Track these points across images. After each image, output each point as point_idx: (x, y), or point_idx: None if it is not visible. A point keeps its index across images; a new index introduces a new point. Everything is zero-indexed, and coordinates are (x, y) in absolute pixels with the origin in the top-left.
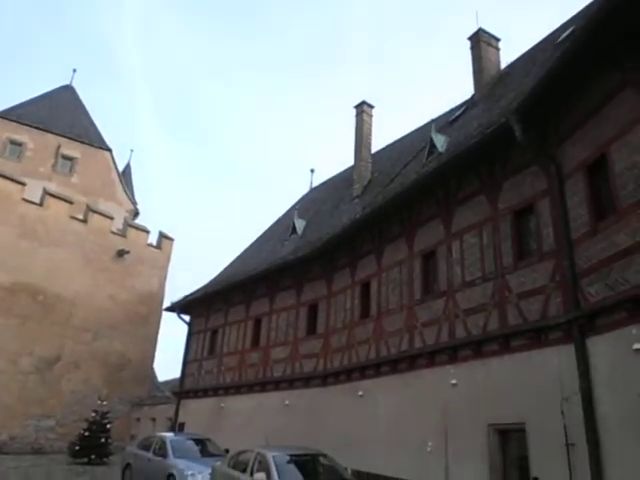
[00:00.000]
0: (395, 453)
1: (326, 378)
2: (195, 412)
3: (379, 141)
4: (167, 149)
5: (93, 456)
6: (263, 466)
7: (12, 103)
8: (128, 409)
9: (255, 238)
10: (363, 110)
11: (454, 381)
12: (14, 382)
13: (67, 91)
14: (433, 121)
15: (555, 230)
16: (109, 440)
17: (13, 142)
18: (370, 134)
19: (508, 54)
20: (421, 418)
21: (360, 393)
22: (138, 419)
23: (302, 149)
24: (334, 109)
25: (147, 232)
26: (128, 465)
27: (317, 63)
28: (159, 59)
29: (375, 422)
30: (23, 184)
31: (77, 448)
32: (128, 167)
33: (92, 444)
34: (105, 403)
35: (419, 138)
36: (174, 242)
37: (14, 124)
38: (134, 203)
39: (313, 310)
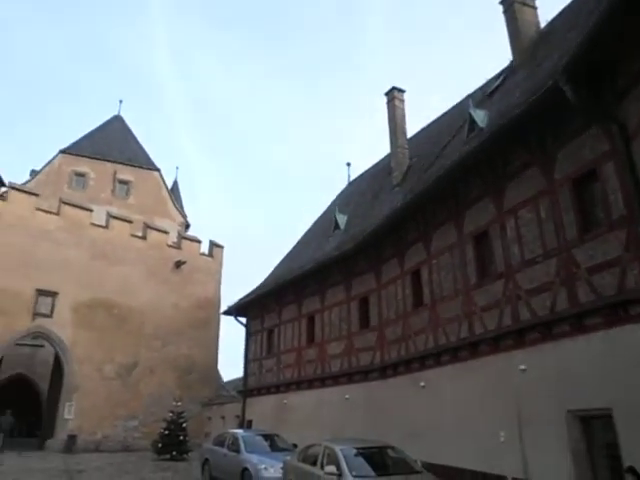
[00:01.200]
0: (464, 444)
1: (384, 370)
2: (260, 409)
3: (414, 125)
4: (207, 161)
5: (174, 452)
6: (332, 459)
7: (71, 139)
8: (199, 409)
9: (300, 237)
10: (394, 96)
11: (523, 366)
12: (101, 387)
13: (117, 121)
14: (470, 96)
15: (624, 194)
16: (186, 438)
17: (78, 174)
18: (404, 119)
19: (547, 11)
20: (489, 407)
21: (422, 384)
22: (209, 418)
23: (336, 144)
24: (363, 101)
25: (199, 242)
26: (206, 460)
27: (339, 58)
28: (192, 77)
29: (440, 413)
30: (90, 210)
31: (160, 445)
32: (175, 183)
33: (172, 442)
34: (179, 404)
35: (457, 116)
36: (224, 249)
37: (77, 158)
38: (184, 216)
39: (364, 303)
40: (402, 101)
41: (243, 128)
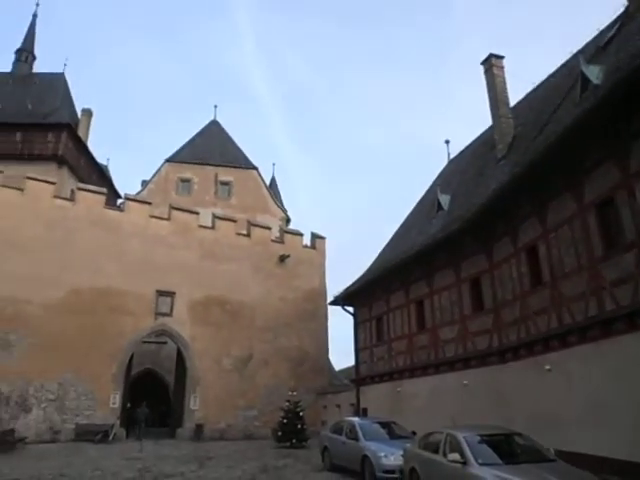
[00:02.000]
0: (601, 431)
1: (504, 354)
2: (374, 397)
3: (516, 93)
4: (302, 154)
5: (294, 440)
6: (455, 447)
7: (174, 147)
8: (314, 398)
9: (402, 221)
10: (492, 64)
11: None
12: (220, 379)
13: (214, 125)
14: (580, 52)
15: None
16: (304, 426)
17: (183, 180)
18: (504, 87)
19: None
20: (630, 391)
21: (547, 367)
22: (325, 407)
23: (432, 123)
24: (457, 76)
25: (301, 235)
26: (325, 448)
27: (428, 34)
28: (280, 72)
29: (569, 398)
30: (197, 213)
31: (279, 434)
32: (273, 180)
33: (291, 430)
34: (295, 394)
35: (565, 77)
36: (326, 240)
37: (181, 165)
38: (284, 211)
39: (476, 285)
40: (501, 68)
41: (335, 116)
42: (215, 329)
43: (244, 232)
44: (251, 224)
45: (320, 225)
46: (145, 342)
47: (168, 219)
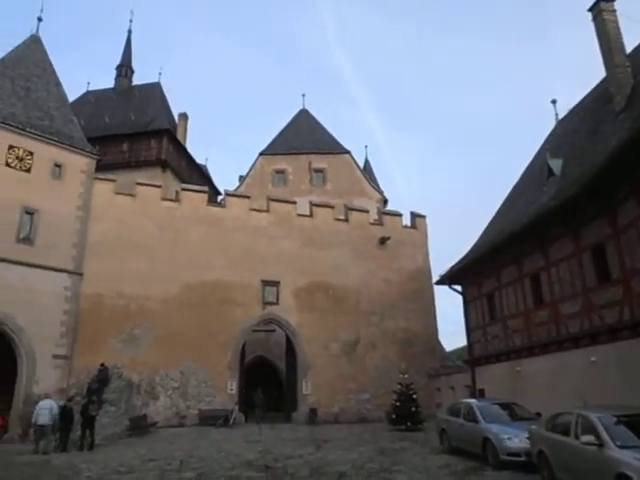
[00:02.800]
0: None
1: (637, 328)
2: (491, 378)
3: (632, 39)
4: (395, 133)
5: (409, 423)
6: (588, 428)
7: (267, 140)
8: (426, 380)
9: (509, 191)
10: (601, 9)
11: None
12: (330, 364)
13: (303, 114)
14: None
15: None
16: (418, 408)
17: (278, 171)
18: (619, 33)
19: None
20: None
21: None
22: (438, 389)
23: (534, 85)
24: (556, 32)
25: (400, 215)
26: (443, 430)
27: None
28: (364, 52)
29: None
30: (294, 203)
31: (393, 416)
32: (367, 162)
33: (405, 413)
34: (406, 376)
35: None
36: (426, 218)
37: (275, 157)
38: (381, 192)
39: (599, 253)
40: (613, 12)
41: (427, 90)
42: (321, 315)
43: (342, 217)
44: (348, 208)
45: (420, 204)
46: (255, 331)
47: (267, 211)
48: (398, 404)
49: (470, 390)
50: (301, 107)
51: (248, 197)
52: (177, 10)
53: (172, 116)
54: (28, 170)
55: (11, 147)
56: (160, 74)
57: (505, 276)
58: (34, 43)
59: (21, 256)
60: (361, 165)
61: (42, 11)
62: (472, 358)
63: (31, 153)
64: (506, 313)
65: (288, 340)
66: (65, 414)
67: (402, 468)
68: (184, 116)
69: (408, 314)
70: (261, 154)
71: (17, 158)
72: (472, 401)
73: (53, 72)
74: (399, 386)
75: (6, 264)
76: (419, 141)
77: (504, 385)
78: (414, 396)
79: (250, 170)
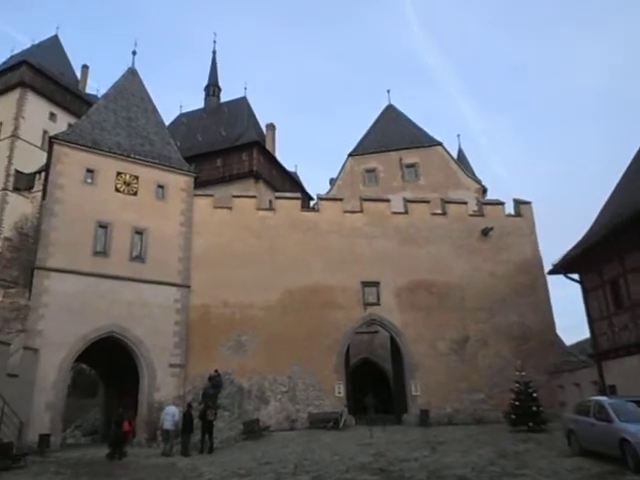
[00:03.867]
0: None
1: None
2: (622, 372)
3: None
4: (488, 118)
5: (530, 424)
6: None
7: (354, 140)
8: (546, 377)
9: (627, 166)
10: None
11: None
12: (438, 364)
13: (390, 110)
14: None
15: None
16: (540, 408)
17: (368, 171)
18: None
19: None
20: None
21: None
22: (561, 386)
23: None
24: None
25: (502, 204)
26: (570, 431)
27: None
28: (446, 38)
29: None
30: (388, 201)
31: (513, 417)
32: (461, 152)
33: (526, 412)
34: (523, 374)
35: None
36: (532, 205)
37: (364, 156)
38: (478, 182)
39: None
40: None
41: (523, 70)
42: (425, 314)
43: (439, 211)
44: (445, 202)
45: (523, 190)
46: (358, 333)
47: (361, 211)
48: (517, 403)
49: (599, 387)
50: (387, 103)
51: (341, 199)
52: (257, 22)
53: (260, 128)
54: (135, 193)
55: (119, 173)
56: (245, 88)
57: (631, 260)
58: (131, 75)
59: (135, 273)
60: (455, 156)
61: (136, 45)
62: (598, 352)
63: (136, 177)
64: (635, 301)
65: (392, 341)
66: (186, 419)
67: (527, 472)
68: (271, 126)
69: (521, 308)
70: (350, 155)
71: (124, 183)
72: (603, 398)
73: (150, 100)
74: (517, 385)
75: (123, 281)
76: (516, 124)
77: (638, 380)
78: (534, 395)
79: (340, 172)
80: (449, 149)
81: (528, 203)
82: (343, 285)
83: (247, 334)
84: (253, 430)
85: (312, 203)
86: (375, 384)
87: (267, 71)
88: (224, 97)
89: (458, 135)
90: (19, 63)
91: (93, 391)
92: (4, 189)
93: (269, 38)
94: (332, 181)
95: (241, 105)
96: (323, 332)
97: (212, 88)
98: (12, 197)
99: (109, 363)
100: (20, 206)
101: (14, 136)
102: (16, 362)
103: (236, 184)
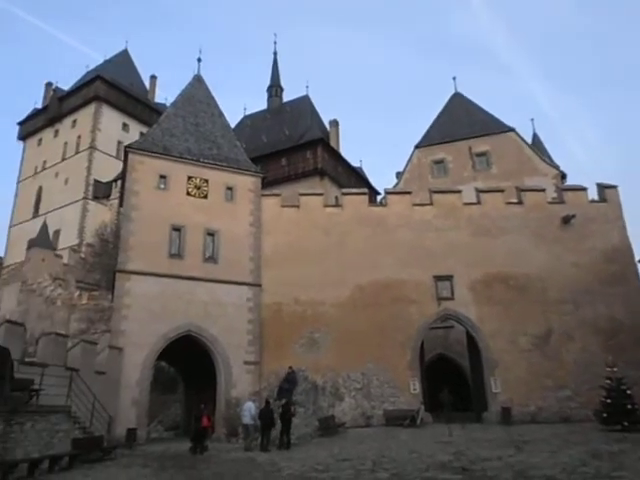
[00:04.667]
0: None
1: None
2: None
3: None
4: (566, 99)
5: (625, 423)
6: None
7: (419, 133)
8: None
9: None
10: None
11: None
12: (520, 359)
13: (457, 98)
14: None
15: None
16: (635, 406)
17: (436, 162)
18: None
19: None
20: None
21: None
22: None
23: None
24: None
25: (584, 189)
26: None
27: None
28: (518, 17)
29: None
30: (459, 191)
31: (604, 415)
32: (536, 136)
33: (619, 411)
34: (615, 369)
35: None
36: (619, 188)
37: (431, 147)
38: (556, 167)
39: None
40: None
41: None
42: (503, 307)
43: (514, 200)
44: (520, 190)
45: (608, 174)
46: (432, 328)
47: (430, 204)
48: (609, 401)
49: None
50: (453, 91)
51: (409, 192)
52: (316, 19)
53: (323, 125)
54: (205, 196)
55: (189, 178)
56: (307, 87)
57: None
58: (197, 82)
59: (208, 274)
60: (529, 141)
61: (200, 52)
62: None
63: (206, 180)
64: None
65: (469, 336)
66: (265, 415)
67: (625, 474)
68: (335, 123)
69: (609, 299)
70: (416, 147)
71: (195, 187)
72: None
73: (216, 105)
74: (608, 381)
75: (197, 282)
76: (594, 104)
77: None
78: (628, 392)
79: (407, 165)
80: (523, 134)
81: (614, 187)
82: (415, 279)
83: (319, 331)
84: (329, 426)
85: (379, 198)
86: (450, 381)
87: (328, 67)
88: (286, 97)
89: (532, 119)
90: (93, 78)
91: (173, 387)
92: (85, 198)
93: (329, 34)
94: (399, 174)
95: (303, 103)
96: (396, 328)
97: (274, 89)
98: (92, 205)
99: (186, 361)
100: (100, 213)
101: (92, 147)
102: (103, 360)
103: (302, 182)
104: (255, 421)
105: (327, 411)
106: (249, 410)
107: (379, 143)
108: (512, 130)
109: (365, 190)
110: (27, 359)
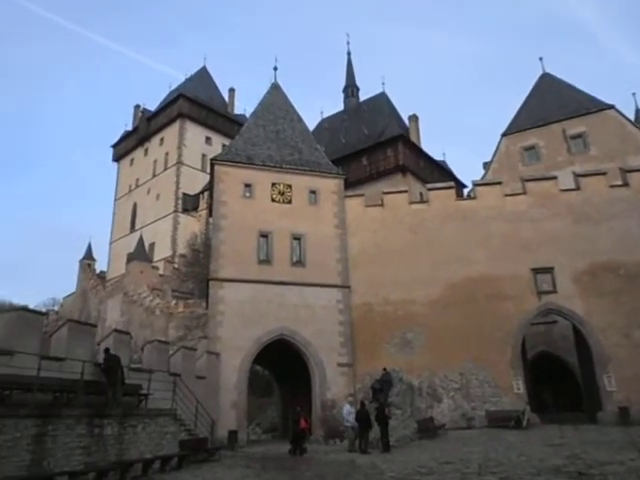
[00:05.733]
0: None
1: None
2: None
3: None
4: None
5: None
6: None
7: (505, 121)
8: None
9: None
10: None
11: None
12: (637, 354)
13: (546, 78)
14: None
15: None
16: None
17: (526, 148)
18: None
19: None
20: None
21: None
22: None
23: None
24: None
25: None
26: None
27: None
28: None
29: None
30: (554, 178)
31: None
32: (638, 112)
33: None
34: None
35: None
36: None
37: (519, 134)
38: None
39: None
40: None
41: None
42: (613, 299)
43: (618, 182)
44: (625, 171)
45: None
46: (533, 324)
47: (524, 193)
48: None
49: None
50: (541, 72)
51: (499, 183)
52: (392, 11)
53: (402, 121)
54: (289, 201)
55: (273, 184)
56: (383, 83)
57: None
58: (275, 90)
59: (297, 277)
60: (631, 117)
61: (276, 61)
62: None
63: (289, 186)
64: None
65: (576, 331)
66: (362, 417)
67: None
68: (414, 118)
69: None
70: (504, 135)
71: (279, 193)
72: None
73: (294, 110)
74: None
75: (287, 286)
76: None
77: None
78: None
79: (494, 154)
80: (624, 111)
81: None
82: (511, 274)
83: (412, 331)
84: (428, 428)
85: (466, 191)
86: (556, 379)
87: (404, 61)
88: (362, 96)
89: (633, 94)
90: (176, 97)
91: (268, 391)
92: (175, 211)
93: (403, 27)
94: (486, 165)
95: (381, 101)
96: (493, 325)
97: (350, 89)
98: (182, 217)
99: (279, 364)
100: (189, 225)
101: (179, 163)
102: (202, 365)
103: (384, 180)
104: (353, 424)
105: (425, 413)
106: (348, 412)
107: (462, 135)
108: (611, 107)
109: (451, 184)
110: (133, 365)
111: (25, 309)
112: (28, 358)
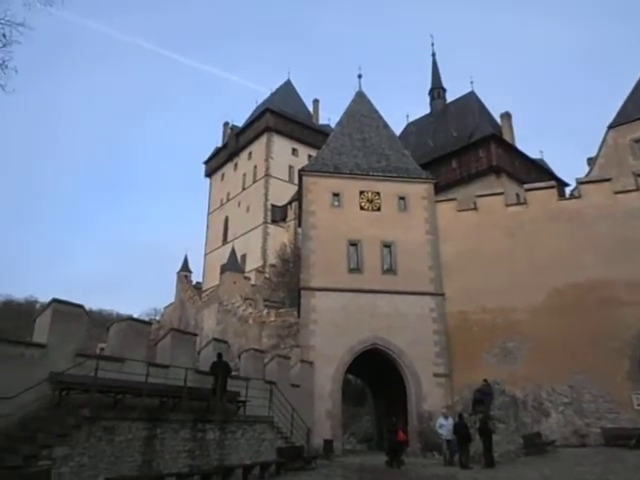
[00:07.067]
0: None
1: None
2: None
3: None
4: None
5: None
6: None
7: (612, 112)
8: None
9: None
10: None
11: None
12: None
13: None
14: None
15: None
16: None
17: (637, 140)
18: None
19: None
20: None
21: None
22: None
23: None
24: None
25: None
26: None
27: None
28: None
29: None
30: None
31: None
32: None
33: None
34: None
35: None
36: None
37: (628, 126)
38: None
39: None
40: None
41: None
42: None
43: None
44: None
45: None
46: None
47: (637, 189)
48: None
49: None
50: None
51: (608, 179)
52: (471, 11)
53: (494, 119)
54: (378, 209)
55: (361, 192)
56: (472, 82)
57: None
58: (359, 98)
59: (388, 285)
60: None
61: (360, 69)
62: None
63: (378, 193)
64: None
65: None
66: (461, 429)
67: None
68: (507, 115)
69: None
70: (610, 127)
71: (368, 200)
72: None
73: (380, 117)
74: None
75: (378, 294)
76: None
77: None
78: None
79: (600, 149)
80: None
81: None
82: (626, 278)
83: (513, 340)
84: (535, 444)
85: (569, 190)
86: None
87: (494, 56)
88: (449, 97)
89: None
90: (263, 111)
91: (362, 400)
92: (264, 222)
93: (491, 14)
94: (591, 161)
95: (469, 101)
96: (606, 334)
97: (436, 91)
98: (271, 228)
99: (372, 373)
100: (279, 235)
101: (267, 175)
102: (296, 374)
103: (476, 183)
104: (451, 436)
105: (531, 427)
106: (443, 425)
107: (561, 131)
108: None
109: (552, 183)
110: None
111: (133, 319)
112: (137, 365)
